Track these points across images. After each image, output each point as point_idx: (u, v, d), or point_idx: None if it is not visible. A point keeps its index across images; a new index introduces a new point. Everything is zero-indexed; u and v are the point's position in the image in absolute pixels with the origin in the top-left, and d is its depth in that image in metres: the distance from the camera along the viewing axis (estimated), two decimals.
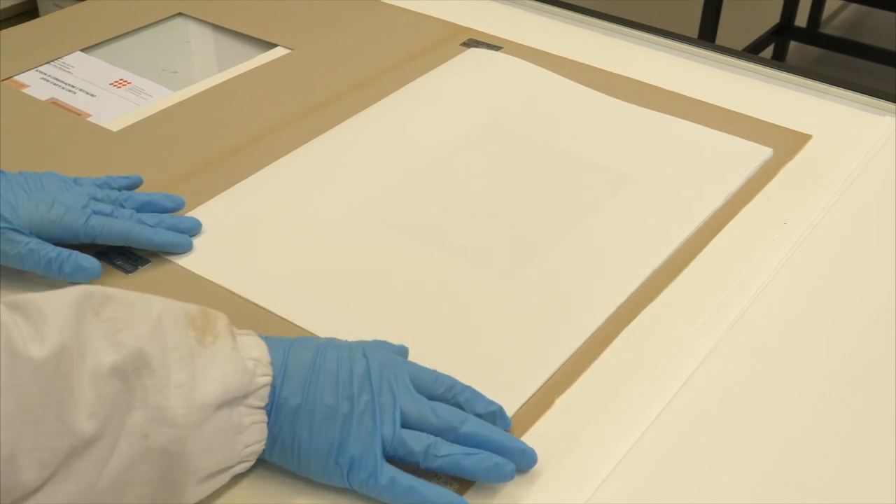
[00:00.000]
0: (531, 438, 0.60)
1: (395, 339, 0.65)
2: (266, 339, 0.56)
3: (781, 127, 0.91)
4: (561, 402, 0.63)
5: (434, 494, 0.54)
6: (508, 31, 1.08)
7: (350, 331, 0.68)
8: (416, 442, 0.54)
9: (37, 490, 0.46)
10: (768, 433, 0.62)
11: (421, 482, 0.54)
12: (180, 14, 1.13)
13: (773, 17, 2.62)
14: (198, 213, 0.79)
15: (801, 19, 2.69)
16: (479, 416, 0.57)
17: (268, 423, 0.54)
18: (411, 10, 1.13)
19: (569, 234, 0.77)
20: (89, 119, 0.93)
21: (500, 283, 0.72)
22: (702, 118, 0.92)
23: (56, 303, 0.48)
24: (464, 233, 0.77)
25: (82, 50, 1.05)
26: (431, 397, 0.57)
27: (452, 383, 0.58)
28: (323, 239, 0.77)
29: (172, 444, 0.49)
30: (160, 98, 0.97)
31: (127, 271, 0.73)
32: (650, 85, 0.98)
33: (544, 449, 0.60)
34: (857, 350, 0.68)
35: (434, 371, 0.59)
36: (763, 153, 0.87)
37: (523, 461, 0.57)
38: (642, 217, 0.80)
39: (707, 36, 2.24)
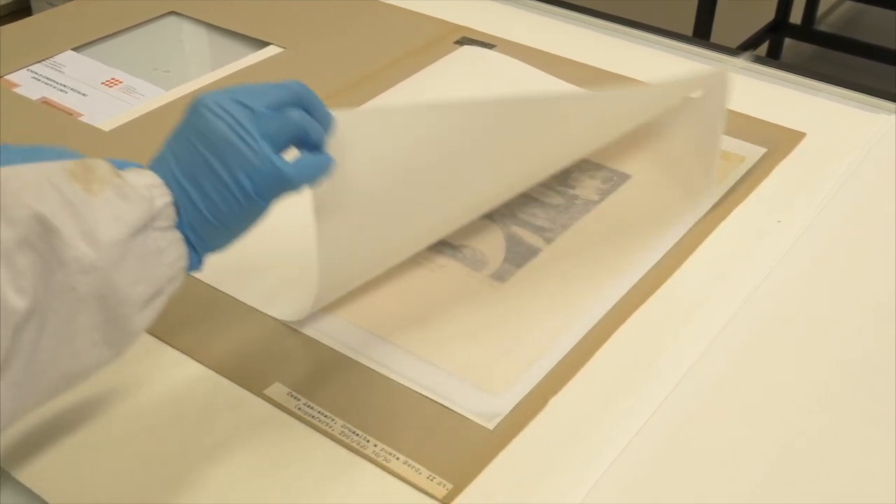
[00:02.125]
0: (525, 439, 0.60)
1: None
2: (151, 167, 0.56)
3: (775, 125, 0.91)
4: (554, 402, 0.63)
5: (325, 159, 0.57)
6: (502, 29, 1.08)
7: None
8: (293, 112, 0.55)
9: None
10: (762, 434, 0.62)
11: (311, 154, 0.56)
12: (173, 13, 1.13)
13: (767, 14, 2.62)
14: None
15: (796, 16, 2.68)
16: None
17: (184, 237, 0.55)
18: (405, 9, 1.13)
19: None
20: (81, 119, 0.93)
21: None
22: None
23: None
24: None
25: (74, 49, 1.04)
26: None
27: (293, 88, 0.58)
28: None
29: (100, 287, 0.50)
30: (152, 97, 0.96)
31: None
32: (645, 83, 0.98)
33: (538, 450, 0.60)
34: (852, 349, 0.68)
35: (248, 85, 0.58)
36: (757, 151, 0.87)
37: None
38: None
39: (702, 33, 2.24)
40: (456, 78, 0.99)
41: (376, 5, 1.14)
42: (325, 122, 0.58)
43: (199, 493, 0.57)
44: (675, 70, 1.01)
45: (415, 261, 0.74)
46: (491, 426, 0.61)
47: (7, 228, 0.49)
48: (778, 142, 0.89)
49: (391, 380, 0.64)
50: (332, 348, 0.67)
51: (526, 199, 0.81)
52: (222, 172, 0.53)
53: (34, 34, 1.08)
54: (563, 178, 0.83)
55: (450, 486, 0.57)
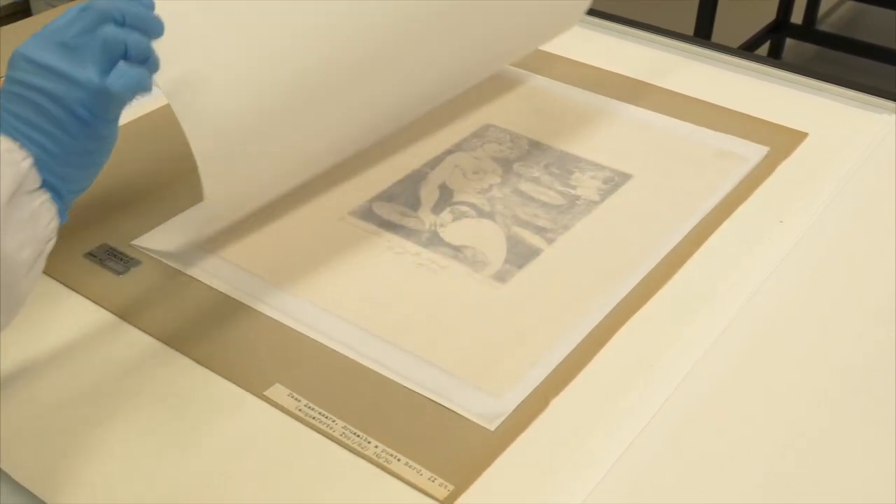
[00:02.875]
0: (526, 440, 0.60)
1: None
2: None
3: (777, 125, 0.91)
4: (556, 403, 0.63)
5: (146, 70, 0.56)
6: None
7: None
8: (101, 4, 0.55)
9: None
10: (764, 435, 0.61)
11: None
12: None
13: (769, 15, 2.62)
14: (187, 215, 0.78)
15: (798, 16, 2.68)
16: None
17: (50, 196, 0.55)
18: None
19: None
20: None
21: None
22: (697, 116, 0.92)
23: None
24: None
25: None
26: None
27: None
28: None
29: None
30: (154, 96, 0.96)
31: (118, 272, 0.72)
32: (646, 83, 0.98)
33: (539, 451, 0.59)
34: (854, 349, 0.68)
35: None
36: (759, 151, 0.87)
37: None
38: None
39: (703, 33, 2.24)
40: None
41: None
42: (150, 29, 0.57)
43: (199, 495, 0.57)
44: (676, 70, 1.01)
45: (415, 262, 0.74)
46: (492, 427, 0.61)
47: None
48: (780, 142, 0.88)
49: (392, 381, 0.64)
50: (331, 349, 0.66)
51: (527, 200, 0.81)
52: (56, 111, 0.54)
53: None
54: (564, 179, 0.83)
55: (451, 487, 0.57)
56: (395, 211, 0.79)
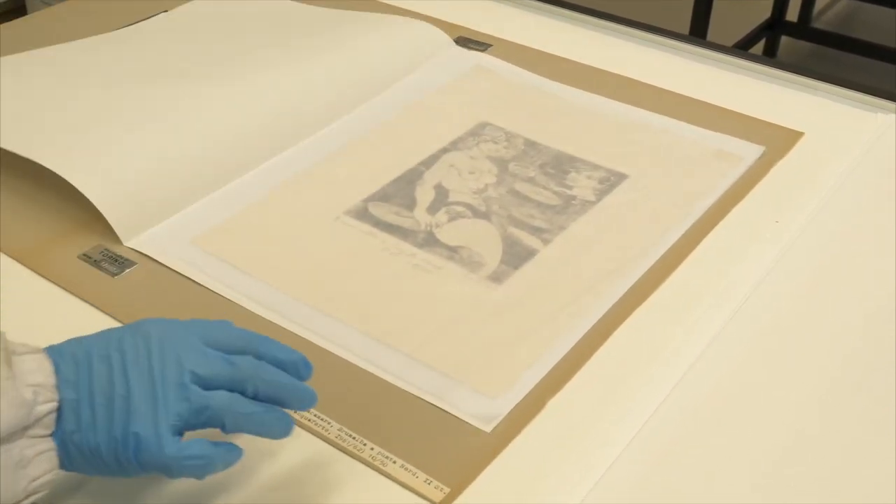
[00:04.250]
0: (523, 442, 0.60)
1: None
2: (51, 352, 0.51)
3: (773, 124, 0.91)
4: (553, 404, 0.63)
5: (222, 456, 0.52)
6: (499, 28, 1.07)
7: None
8: (218, 399, 0.51)
9: None
10: (761, 434, 0.61)
11: (210, 446, 0.51)
12: (165, 12, 1.12)
13: (764, 12, 2.62)
14: (185, 215, 0.78)
15: (793, 14, 2.68)
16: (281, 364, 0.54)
17: (56, 446, 0.50)
18: (401, 7, 1.12)
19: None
20: None
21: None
22: (693, 116, 0.92)
23: None
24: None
25: None
26: (231, 352, 0.53)
27: (252, 336, 0.55)
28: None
29: None
30: None
31: (113, 273, 0.72)
32: (641, 82, 0.98)
33: (536, 452, 0.59)
34: (851, 349, 0.68)
35: (222, 324, 0.55)
36: (754, 151, 0.87)
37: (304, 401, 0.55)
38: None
39: (698, 32, 2.24)
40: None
41: (373, 4, 1.14)
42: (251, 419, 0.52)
43: (193, 497, 0.56)
44: (671, 69, 1.01)
45: (410, 262, 0.74)
46: (488, 429, 0.61)
47: None
48: (776, 141, 0.88)
49: (388, 382, 0.64)
50: (328, 350, 0.66)
51: (523, 200, 0.81)
52: (119, 419, 0.49)
53: (30, 34, 1.07)
54: (559, 179, 0.83)
55: (447, 489, 0.57)
56: (391, 211, 0.79)
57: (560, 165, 0.85)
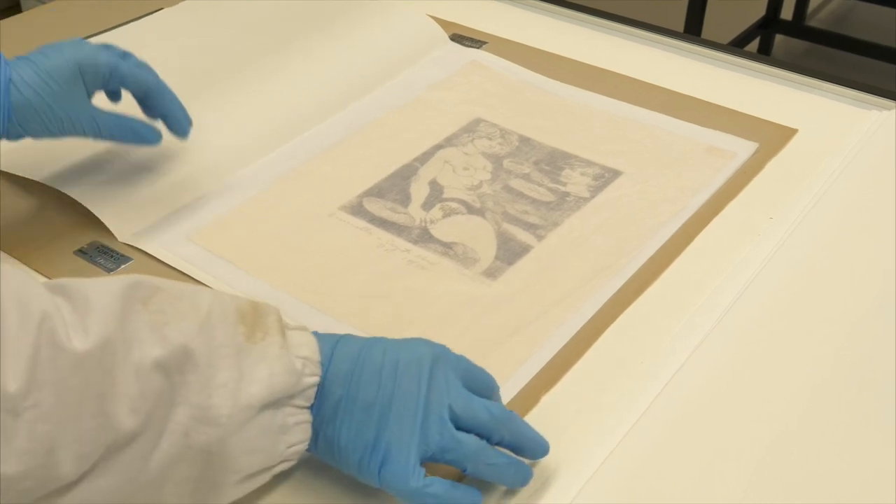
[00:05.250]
0: None
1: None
2: (317, 335, 0.54)
3: (767, 121, 0.91)
4: (547, 399, 0.63)
5: (459, 499, 0.53)
6: (494, 25, 1.08)
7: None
8: (468, 445, 0.53)
9: (75, 484, 0.44)
10: (755, 430, 0.61)
11: (451, 488, 0.52)
12: (161, 10, 1.12)
13: (758, 10, 2.63)
14: (181, 211, 0.78)
15: (787, 12, 2.69)
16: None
17: (312, 421, 0.52)
18: (396, 4, 1.12)
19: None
20: None
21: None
22: (687, 112, 0.92)
23: (103, 292, 0.47)
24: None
25: None
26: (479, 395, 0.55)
27: (493, 384, 0.57)
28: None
29: (213, 444, 0.48)
30: None
31: (108, 269, 0.72)
32: (636, 80, 0.98)
33: None
34: (845, 345, 0.68)
35: (482, 369, 0.57)
36: (748, 147, 0.87)
37: (539, 452, 0.57)
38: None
39: (693, 30, 2.24)
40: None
41: (369, 2, 1.13)
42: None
43: None
44: (666, 66, 1.01)
45: (405, 258, 0.74)
46: None
47: (155, 347, 0.46)
48: (769, 138, 0.89)
49: None
50: None
51: (517, 196, 0.81)
52: (374, 431, 0.51)
53: (25, 31, 1.07)
54: (554, 175, 0.83)
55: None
56: (386, 207, 0.79)
57: (554, 162, 0.85)
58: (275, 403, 0.50)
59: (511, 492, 0.57)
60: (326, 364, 0.53)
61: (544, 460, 0.58)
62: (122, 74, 0.72)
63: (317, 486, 0.57)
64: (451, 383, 0.54)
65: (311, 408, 0.52)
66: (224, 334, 0.49)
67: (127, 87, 0.74)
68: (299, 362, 0.51)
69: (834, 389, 0.65)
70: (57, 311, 0.45)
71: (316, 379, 0.52)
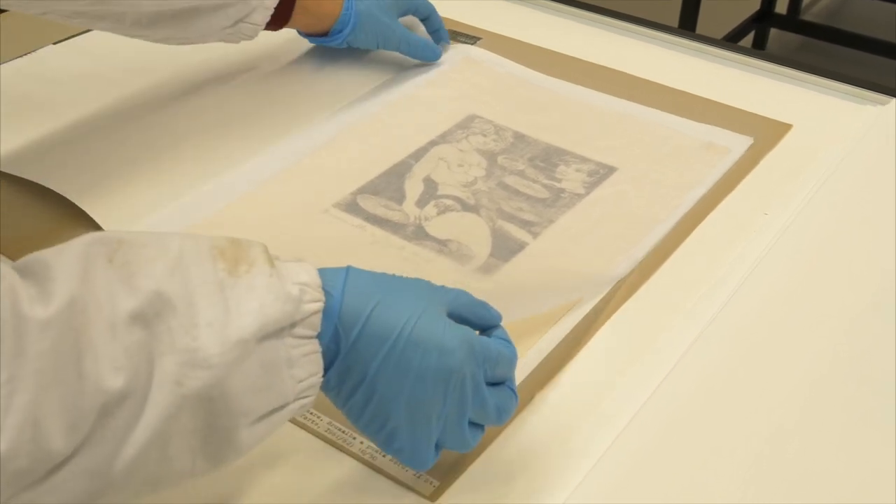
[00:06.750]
0: (510, 433, 0.60)
1: None
2: (321, 269, 0.51)
3: (762, 116, 0.91)
4: (541, 397, 0.63)
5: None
6: (488, 21, 1.07)
7: None
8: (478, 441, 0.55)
9: (70, 457, 0.42)
10: (752, 427, 0.61)
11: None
12: None
13: (753, 4, 2.62)
14: (177, 207, 0.78)
15: (782, 6, 2.69)
16: None
17: (323, 352, 0.49)
18: None
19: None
20: None
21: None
22: (681, 108, 0.92)
23: (62, 256, 0.44)
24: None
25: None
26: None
27: (497, 317, 0.60)
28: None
29: (210, 388, 0.45)
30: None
31: None
32: (630, 75, 0.98)
33: (524, 446, 0.59)
34: (841, 341, 0.68)
35: (484, 305, 0.59)
36: (743, 142, 0.87)
37: None
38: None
39: (688, 25, 2.24)
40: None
41: None
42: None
43: (182, 492, 0.56)
44: (660, 61, 1.01)
45: (400, 255, 0.74)
46: None
47: (127, 299, 0.44)
48: (764, 133, 0.88)
49: None
50: None
51: (512, 193, 0.81)
52: (391, 426, 0.52)
53: (13, 29, 1.07)
54: (549, 172, 0.83)
55: (436, 483, 0.57)
56: (380, 204, 0.79)
57: (549, 158, 0.85)
58: (273, 335, 0.47)
59: (508, 490, 0.57)
60: (340, 292, 0.51)
61: (540, 457, 0.58)
62: (416, 3, 0.98)
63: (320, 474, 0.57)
64: (478, 388, 0.53)
65: (319, 338, 0.49)
66: (201, 272, 0.46)
67: (417, 13, 0.98)
68: (296, 288, 0.48)
69: (831, 385, 0.65)
70: (19, 285, 0.42)
71: (319, 305, 0.49)
